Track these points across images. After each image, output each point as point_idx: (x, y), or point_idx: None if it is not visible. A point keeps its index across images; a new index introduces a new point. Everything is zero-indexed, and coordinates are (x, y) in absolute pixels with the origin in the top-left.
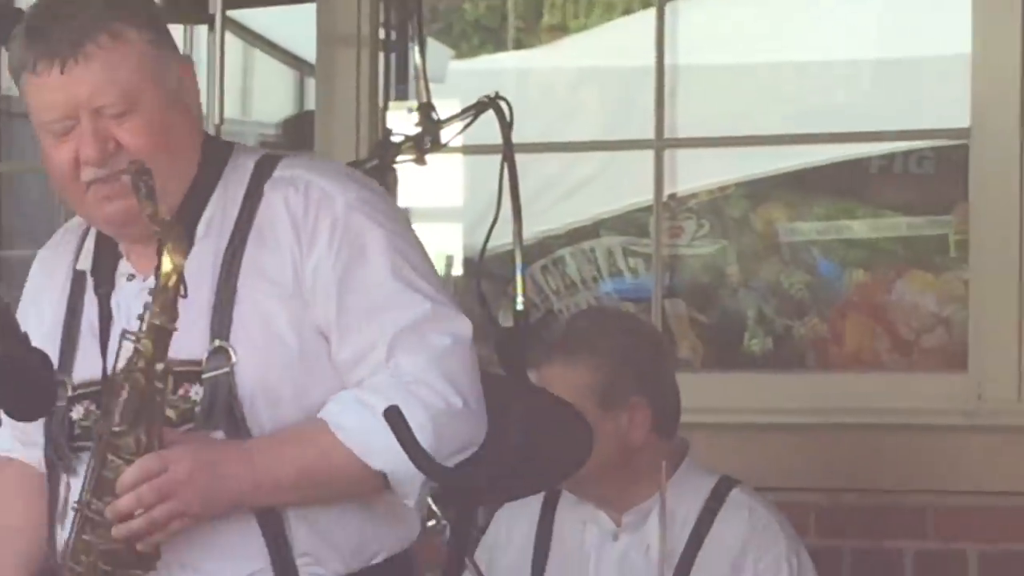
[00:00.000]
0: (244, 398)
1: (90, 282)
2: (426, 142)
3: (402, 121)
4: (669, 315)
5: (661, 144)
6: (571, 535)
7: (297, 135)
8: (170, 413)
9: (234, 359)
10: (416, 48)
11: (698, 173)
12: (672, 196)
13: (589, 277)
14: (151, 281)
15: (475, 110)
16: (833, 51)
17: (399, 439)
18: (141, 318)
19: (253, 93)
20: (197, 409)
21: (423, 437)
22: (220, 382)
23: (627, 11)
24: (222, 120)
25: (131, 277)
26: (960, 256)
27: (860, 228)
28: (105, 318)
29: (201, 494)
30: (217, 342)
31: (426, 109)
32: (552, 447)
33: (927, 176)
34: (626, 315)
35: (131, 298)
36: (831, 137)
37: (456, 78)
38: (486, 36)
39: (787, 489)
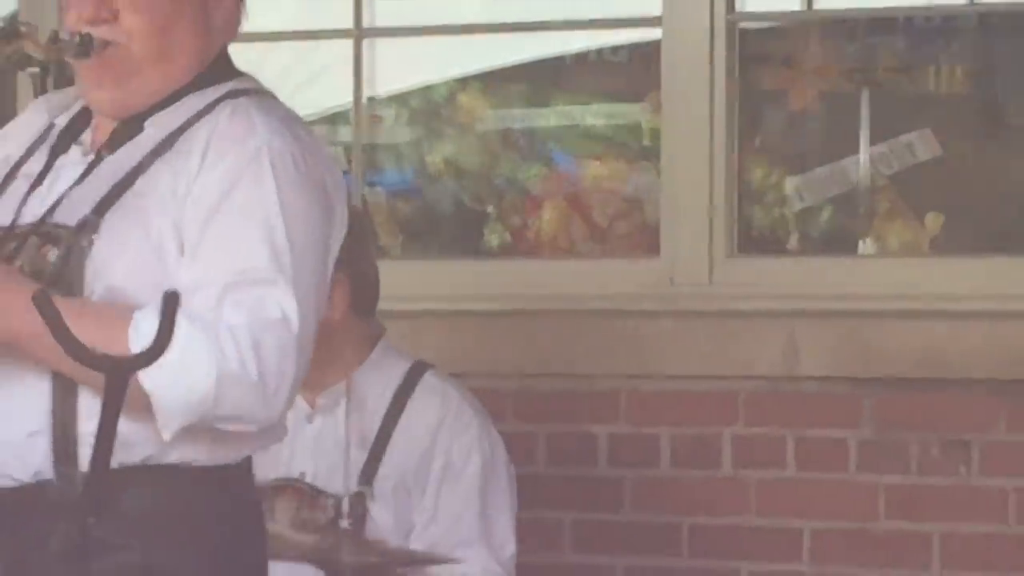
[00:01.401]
0: (89, 277)
1: (54, 138)
2: None
3: None
4: (370, 203)
5: (360, 33)
6: None
7: None
8: (24, 266)
9: (96, 236)
10: None
11: (398, 64)
12: (371, 89)
13: None
14: (91, 158)
15: None
16: None
17: (44, 317)
18: None
19: None
20: (48, 270)
21: (201, 385)
22: (75, 252)
23: None
24: None
25: (80, 144)
26: (653, 144)
27: (555, 116)
28: (41, 175)
29: None
30: (91, 216)
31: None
32: None
33: (621, 65)
34: None
35: (71, 165)
36: (528, 26)
37: None
38: None
39: (482, 375)
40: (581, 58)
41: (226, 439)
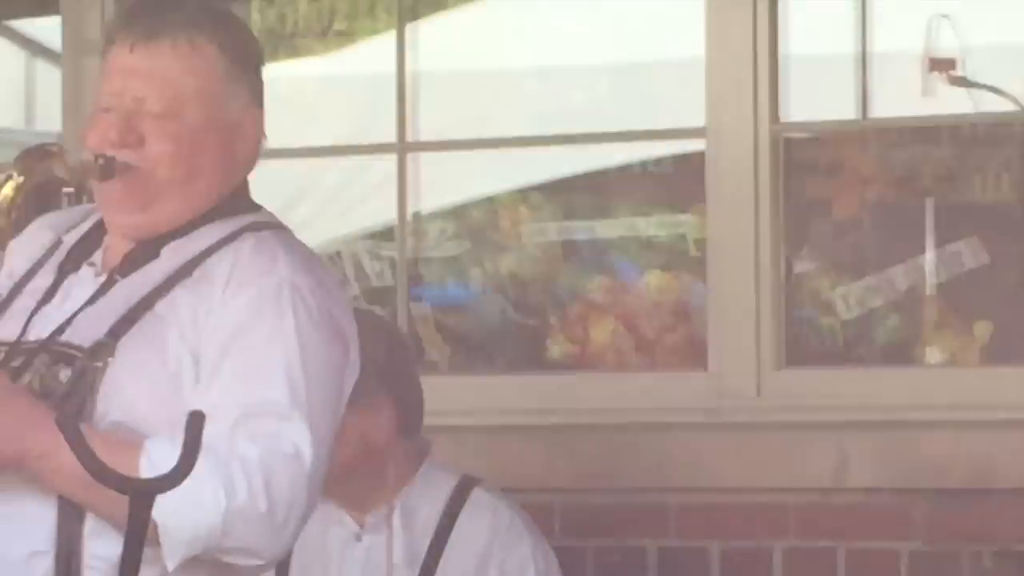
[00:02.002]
0: (101, 400)
1: (63, 255)
2: None
3: None
4: (415, 318)
5: (404, 147)
6: (314, 536)
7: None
8: (33, 383)
9: (111, 358)
10: None
11: (442, 177)
12: (417, 203)
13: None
14: (103, 279)
15: None
16: (571, 55)
17: (67, 437)
18: None
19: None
20: (60, 390)
21: (210, 518)
22: (88, 373)
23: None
24: None
25: (91, 264)
26: (700, 254)
27: (601, 228)
28: (49, 292)
29: None
30: (106, 338)
31: None
32: None
33: (666, 176)
34: (370, 314)
35: (81, 285)
36: (571, 139)
37: None
38: (276, 43)
39: (530, 489)
40: (625, 169)
41: (230, 567)
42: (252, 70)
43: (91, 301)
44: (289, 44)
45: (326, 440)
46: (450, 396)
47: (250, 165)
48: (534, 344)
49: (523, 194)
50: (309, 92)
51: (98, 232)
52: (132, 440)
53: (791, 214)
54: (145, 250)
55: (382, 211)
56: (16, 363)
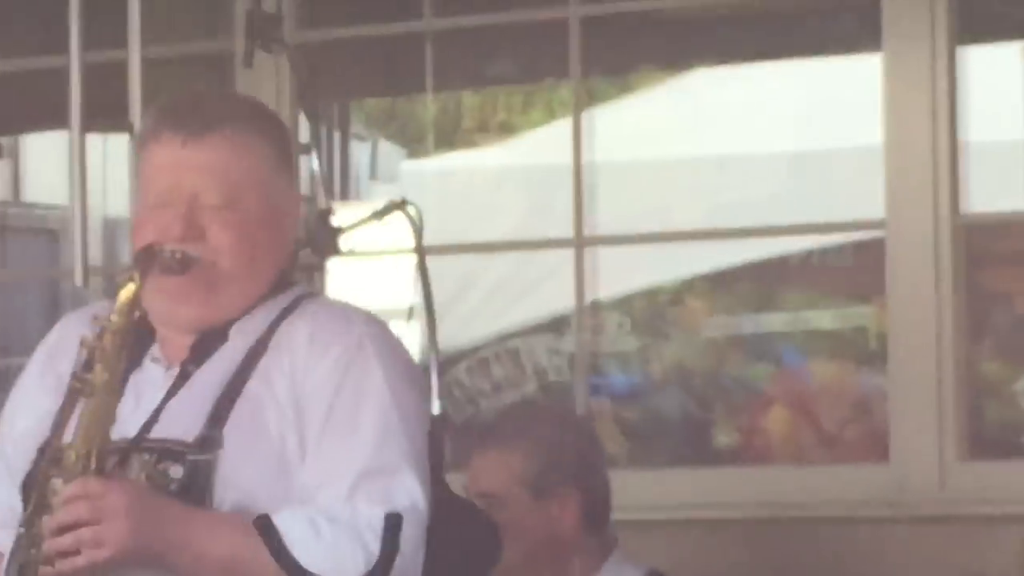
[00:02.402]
0: (218, 489)
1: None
2: (323, 248)
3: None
4: (594, 412)
5: (581, 242)
6: None
7: None
8: (146, 484)
9: (220, 450)
10: (325, 153)
11: (619, 271)
12: (593, 294)
13: (514, 377)
14: (174, 372)
15: (381, 214)
16: (750, 145)
17: (271, 550)
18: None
19: None
20: (172, 487)
21: None
22: (201, 468)
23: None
24: None
25: (156, 360)
26: (880, 346)
27: (781, 321)
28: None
29: (131, 530)
30: (209, 430)
31: (324, 215)
32: (457, 556)
33: (845, 268)
34: (557, 406)
35: (151, 382)
36: (750, 232)
37: (409, 178)
38: (440, 136)
39: None
40: (805, 259)
41: None
42: (291, 157)
43: (170, 395)
44: (460, 137)
45: (429, 482)
46: (630, 489)
47: (294, 240)
48: (708, 436)
49: (701, 284)
50: (478, 184)
51: (145, 327)
52: (254, 521)
53: (972, 305)
54: (212, 337)
55: (552, 301)
56: (111, 462)
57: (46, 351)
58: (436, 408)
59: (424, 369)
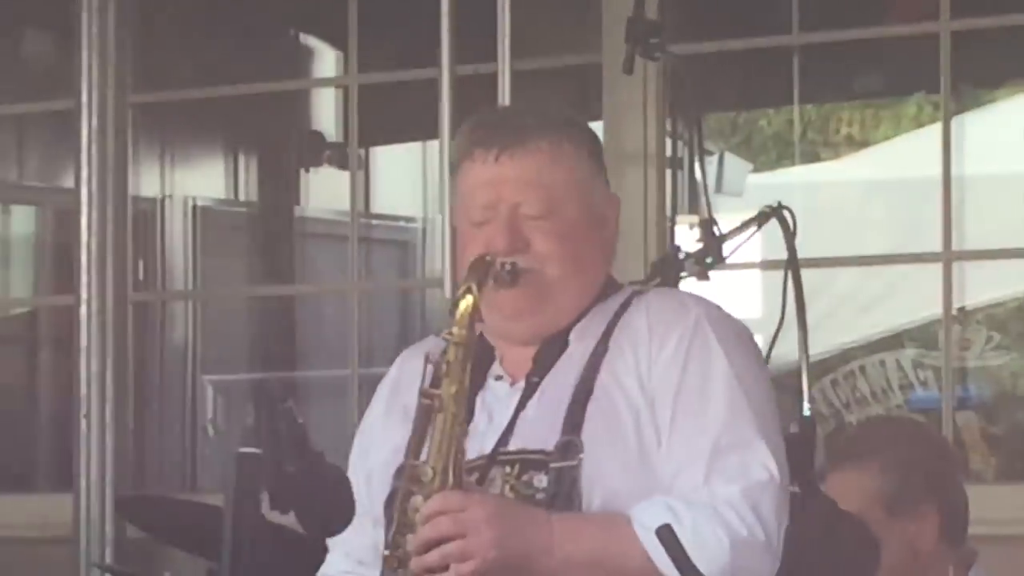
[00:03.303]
0: (585, 492)
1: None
2: (708, 258)
3: (687, 237)
4: (960, 427)
5: (949, 257)
6: None
7: None
8: (505, 492)
9: (582, 454)
10: (698, 163)
11: (988, 285)
12: (961, 309)
13: (879, 390)
14: (520, 385)
15: (758, 221)
16: None
17: (671, 557)
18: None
19: None
20: (539, 496)
21: (719, 558)
22: (565, 474)
23: (918, 124)
24: None
25: (499, 378)
26: None
27: None
28: (468, 411)
29: (496, 540)
30: (568, 436)
31: (707, 225)
32: (837, 563)
33: None
34: (914, 423)
35: (499, 399)
36: None
37: (754, 191)
38: (783, 149)
39: None
40: None
41: None
42: (602, 161)
43: (520, 408)
44: (804, 150)
45: (783, 450)
46: (997, 504)
47: (614, 244)
48: None
49: None
50: (825, 197)
51: (483, 347)
52: (614, 517)
53: None
54: (553, 346)
55: (911, 315)
56: (472, 478)
57: (389, 386)
58: (806, 410)
59: (792, 373)
